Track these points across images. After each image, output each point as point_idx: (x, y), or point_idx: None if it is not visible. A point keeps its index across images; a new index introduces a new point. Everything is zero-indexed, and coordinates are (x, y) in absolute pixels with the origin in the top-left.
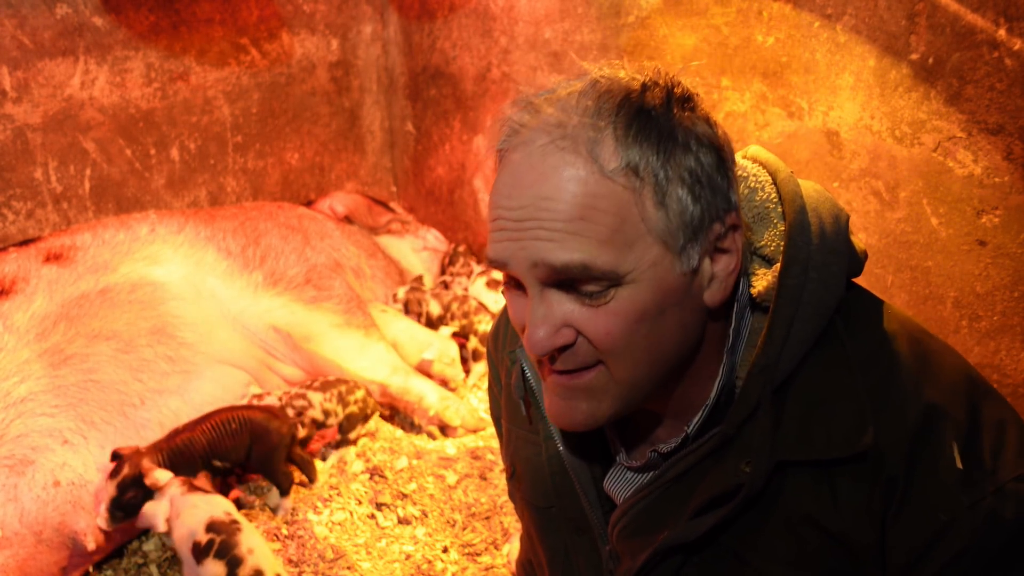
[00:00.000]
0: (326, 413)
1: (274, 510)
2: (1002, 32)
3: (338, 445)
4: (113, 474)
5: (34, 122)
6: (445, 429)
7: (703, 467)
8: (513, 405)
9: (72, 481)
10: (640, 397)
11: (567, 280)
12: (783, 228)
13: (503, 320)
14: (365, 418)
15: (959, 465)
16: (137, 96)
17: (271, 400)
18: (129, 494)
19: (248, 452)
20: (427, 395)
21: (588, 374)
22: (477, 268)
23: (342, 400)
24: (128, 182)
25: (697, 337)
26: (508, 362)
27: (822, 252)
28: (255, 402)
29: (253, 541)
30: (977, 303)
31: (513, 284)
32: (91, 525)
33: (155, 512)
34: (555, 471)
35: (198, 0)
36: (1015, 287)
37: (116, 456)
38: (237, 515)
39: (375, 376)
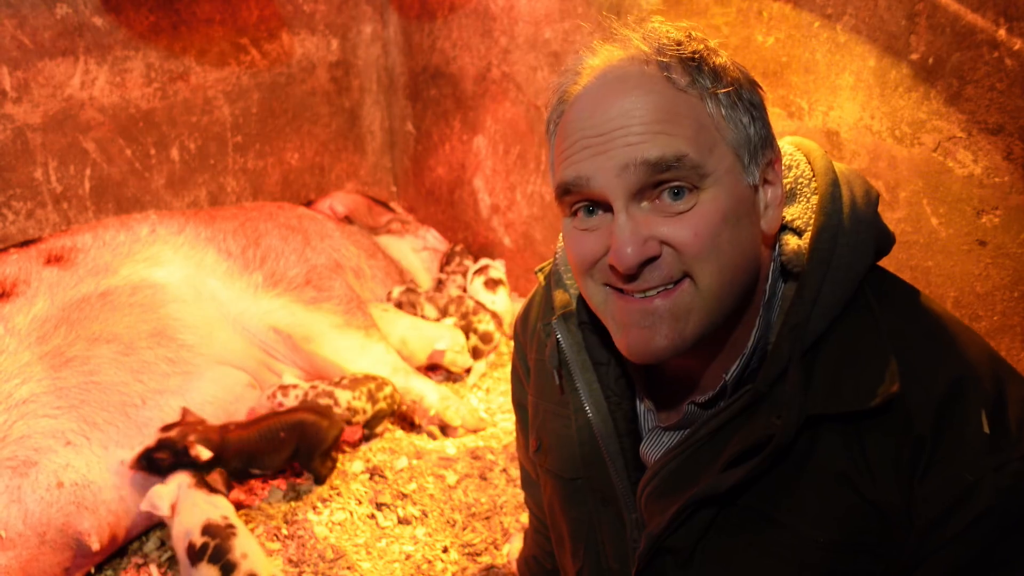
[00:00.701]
0: (352, 411)
1: (316, 484)
2: (1002, 32)
3: (364, 441)
4: (164, 429)
5: (34, 122)
6: (445, 429)
7: (734, 425)
8: (545, 378)
9: (75, 482)
10: (721, 314)
11: (657, 183)
12: (815, 201)
13: (533, 300)
14: (393, 413)
15: (986, 430)
16: (137, 96)
17: (299, 391)
18: (163, 453)
19: (291, 455)
20: (427, 395)
21: (676, 290)
22: (473, 267)
23: (372, 398)
24: (128, 182)
25: (760, 261)
26: (542, 335)
27: (852, 221)
28: (280, 395)
29: (248, 546)
30: (977, 303)
31: (581, 218)
32: (95, 525)
33: (161, 495)
34: (584, 441)
35: (198, 0)
36: (1015, 287)
37: (183, 413)
38: (234, 519)
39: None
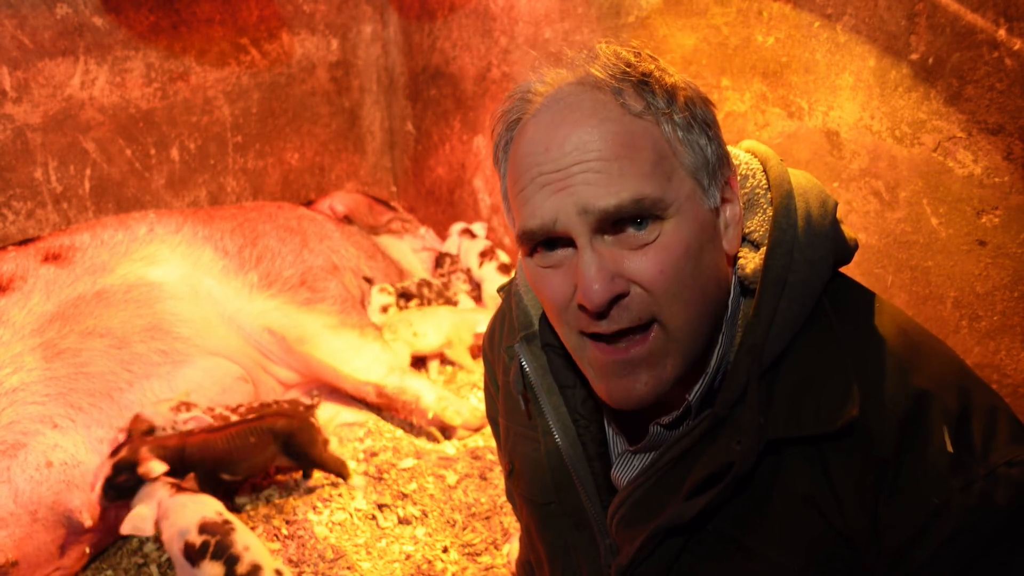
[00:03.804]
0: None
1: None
2: (1002, 32)
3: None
4: (113, 453)
5: (34, 122)
6: (446, 430)
7: (697, 450)
8: (512, 402)
9: (64, 461)
10: (696, 350)
11: (618, 221)
12: (771, 213)
13: (498, 319)
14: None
15: (950, 449)
16: (137, 96)
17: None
18: (122, 477)
19: (273, 459)
20: (424, 394)
21: (645, 339)
22: (474, 248)
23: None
24: (128, 182)
25: (726, 284)
26: (506, 358)
27: (808, 235)
28: (184, 411)
29: (248, 539)
30: (977, 303)
31: (542, 254)
32: (85, 502)
33: (142, 516)
34: (554, 466)
35: (198, 0)
36: (1015, 287)
37: (129, 431)
38: (228, 515)
39: (370, 377)
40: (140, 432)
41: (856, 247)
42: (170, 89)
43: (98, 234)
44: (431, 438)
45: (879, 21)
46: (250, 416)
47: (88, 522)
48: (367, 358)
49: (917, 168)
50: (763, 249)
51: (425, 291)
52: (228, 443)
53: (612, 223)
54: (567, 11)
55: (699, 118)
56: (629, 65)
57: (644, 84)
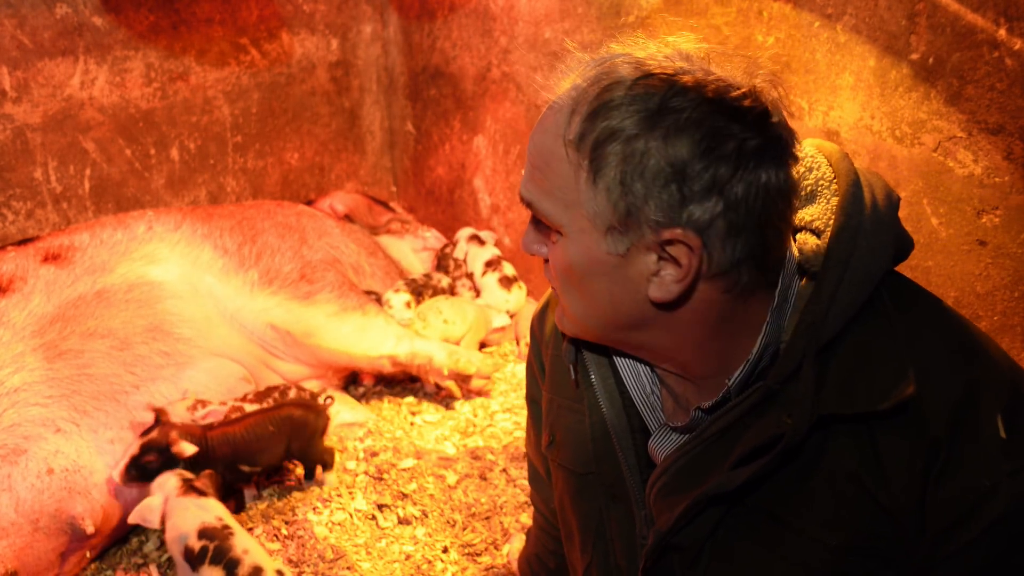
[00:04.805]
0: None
1: (320, 485)
2: (1002, 32)
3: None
4: (143, 433)
5: (34, 122)
6: (464, 385)
7: (745, 422)
8: (560, 374)
9: (66, 468)
10: (592, 336)
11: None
12: (835, 202)
13: (550, 297)
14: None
15: (1003, 435)
16: (137, 96)
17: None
18: (149, 457)
19: (286, 453)
20: (436, 354)
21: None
22: (480, 256)
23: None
24: (128, 182)
25: (635, 318)
26: (559, 332)
27: (872, 223)
28: (200, 408)
29: (247, 543)
30: (977, 303)
31: None
32: (88, 508)
33: (151, 507)
34: (597, 436)
35: (198, 0)
36: (1015, 287)
37: (157, 416)
38: (229, 519)
39: (382, 351)
40: (168, 418)
41: (913, 244)
42: (170, 89)
43: (97, 233)
44: (451, 395)
45: (879, 21)
46: (267, 406)
47: (90, 529)
48: (375, 335)
49: (917, 168)
50: (826, 234)
51: (434, 282)
52: (247, 433)
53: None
54: (567, 11)
55: (637, 169)
56: (624, 79)
57: (604, 106)
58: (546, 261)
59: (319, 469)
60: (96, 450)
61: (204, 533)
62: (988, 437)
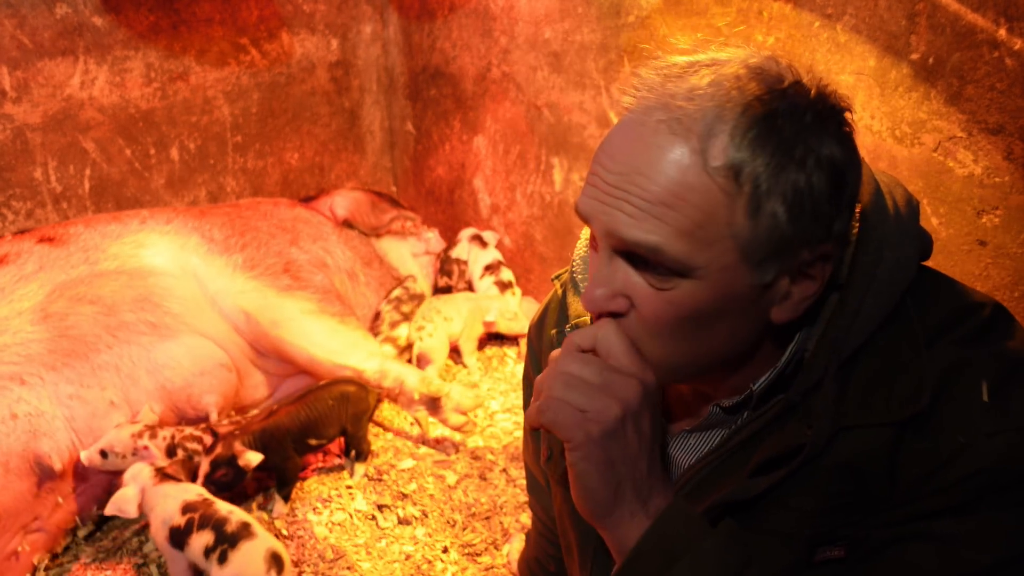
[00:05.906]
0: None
1: (351, 473)
2: (1002, 32)
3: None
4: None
5: (34, 122)
6: (438, 411)
7: (764, 434)
8: None
9: (29, 413)
10: (683, 379)
11: (637, 256)
12: (858, 210)
13: (548, 306)
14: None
15: (985, 398)
16: (137, 96)
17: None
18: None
19: (341, 429)
20: (408, 377)
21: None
22: (479, 259)
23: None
24: (128, 182)
25: (747, 345)
26: (556, 343)
27: (897, 233)
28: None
29: (230, 507)
30: None
31: (595, 241)
32: (54, 447)
33: (126, 498)
34: None
35: (198, 0)
36: (1015, 287)
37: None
38: (209, 496)
39: (348, 361)
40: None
41: (932, 242)
42: (170, 89)
43: (92, 224)
44: (420, 425)
45: (879, 21)
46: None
47: (58, 466)
48: (345, 343)
49: (917, 168)
50: (850, 243)
51: (410, 285)
52: (310, 410)
53: (633, 253)
54: (567, 11)
55: (800, 192)
56: (763, 96)
57: (758, 127)
58: (616, 314)
59: (352, 455)
60: (56, 402)
61: (187, 508)
62: (970, 399)
